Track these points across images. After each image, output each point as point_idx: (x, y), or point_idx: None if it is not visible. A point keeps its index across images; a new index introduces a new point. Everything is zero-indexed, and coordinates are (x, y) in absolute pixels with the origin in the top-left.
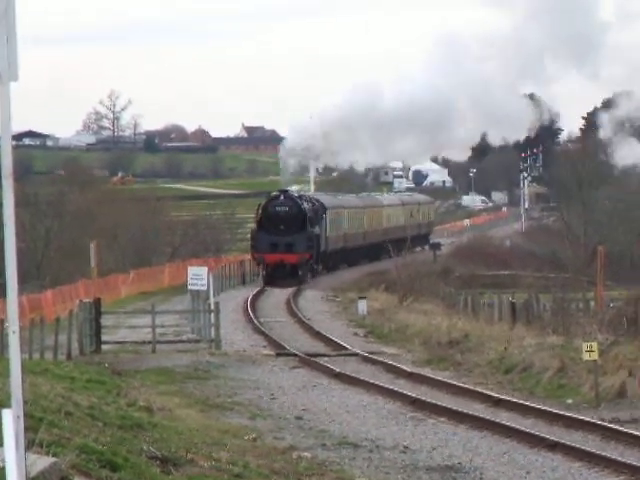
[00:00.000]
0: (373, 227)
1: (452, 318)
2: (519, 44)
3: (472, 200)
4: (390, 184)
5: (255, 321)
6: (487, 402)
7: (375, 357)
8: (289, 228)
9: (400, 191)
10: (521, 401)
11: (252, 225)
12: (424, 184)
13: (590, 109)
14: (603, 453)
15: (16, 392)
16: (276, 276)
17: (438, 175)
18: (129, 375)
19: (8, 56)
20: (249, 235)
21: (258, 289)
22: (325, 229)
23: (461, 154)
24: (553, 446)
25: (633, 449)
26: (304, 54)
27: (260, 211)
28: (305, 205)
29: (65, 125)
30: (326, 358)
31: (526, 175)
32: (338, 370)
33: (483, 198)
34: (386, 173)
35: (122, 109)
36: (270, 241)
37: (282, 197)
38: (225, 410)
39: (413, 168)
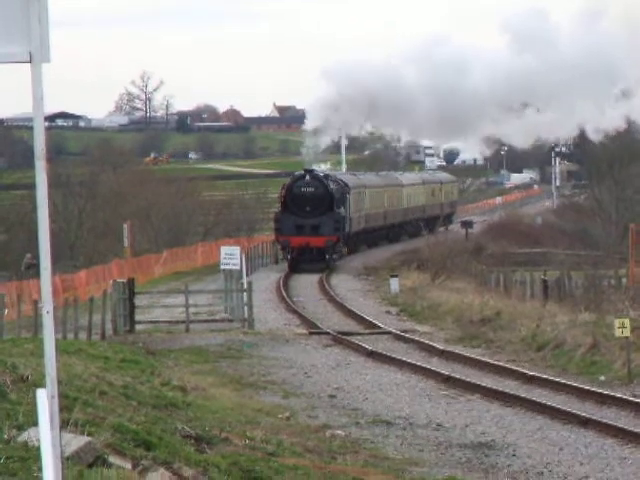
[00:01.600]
0: (393, 207)
1: (484, 296)
2: None
3: (522, 178)
4: (422, 163)
5: (288, 300)
6: (520, 379)
7: (408, 335)
8: (315, 209)
9: (432, 169)
10: (553, 378)
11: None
12: (455, 162)
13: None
14: (636, 429)
15: (50, 372)
16: (302, 260)
17: (469, 153)
18: (163, 355)
19: (40, 37)
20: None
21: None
22: (349, 210)
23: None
24: (585, 422)
25: None
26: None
27: (284, 192)
28: (331, 185)
29: (98, 106)
30: (359, 336)
31: (557, 151)
32: (371, 348)
33: (532, 176)
34: (417, 152)
35: (154, 90)
36: (295, 223)
37: (307, 177)
38: (259, 389)
39: (444, 146)
